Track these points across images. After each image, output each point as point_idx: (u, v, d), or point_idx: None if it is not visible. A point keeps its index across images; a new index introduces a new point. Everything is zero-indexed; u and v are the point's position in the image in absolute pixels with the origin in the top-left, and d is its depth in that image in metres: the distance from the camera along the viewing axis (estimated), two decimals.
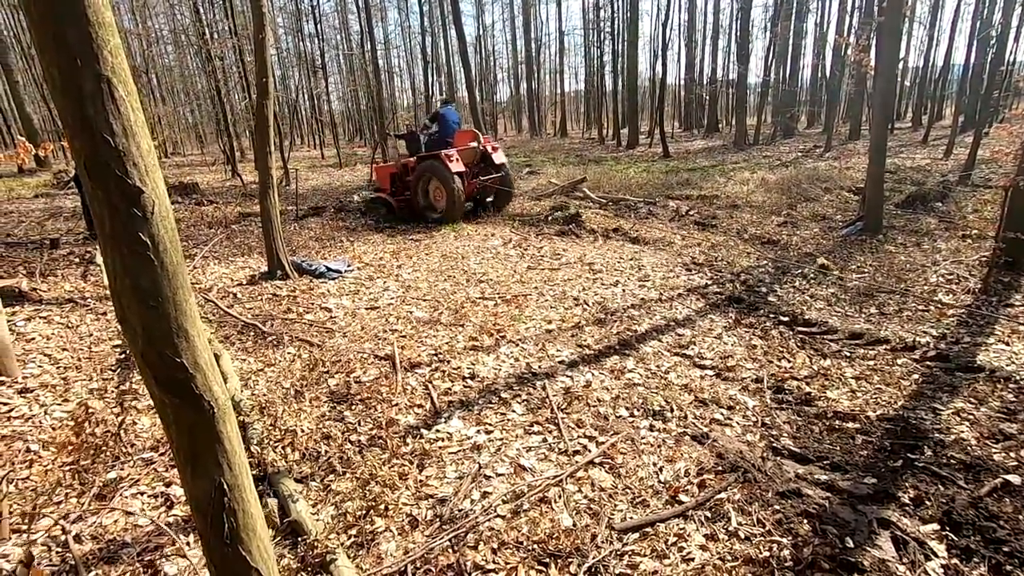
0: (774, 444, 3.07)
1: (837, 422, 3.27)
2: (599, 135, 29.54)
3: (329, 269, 6.46)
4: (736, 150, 20.25)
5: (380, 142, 16.66)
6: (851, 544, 2.27)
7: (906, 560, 2.21)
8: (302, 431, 3.21)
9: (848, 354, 4.22)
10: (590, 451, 2.98)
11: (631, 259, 6.88)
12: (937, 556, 2.23)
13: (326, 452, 3.02)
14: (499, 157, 9.78)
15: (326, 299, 5.63)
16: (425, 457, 2.96)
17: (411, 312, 5.19)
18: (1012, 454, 2.86)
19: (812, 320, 4.87)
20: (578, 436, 3.14)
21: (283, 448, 3.06)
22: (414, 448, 3.03)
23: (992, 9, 17.91)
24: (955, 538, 2.31)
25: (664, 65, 21.65)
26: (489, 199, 9.74)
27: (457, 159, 8.86)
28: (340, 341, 4.56)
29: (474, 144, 9.73)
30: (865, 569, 2.15)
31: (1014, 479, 2.63)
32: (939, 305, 5.15)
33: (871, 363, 4.04)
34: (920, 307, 5.14)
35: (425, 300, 5.55)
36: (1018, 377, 3.66)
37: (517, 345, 4.40)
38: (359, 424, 3.30)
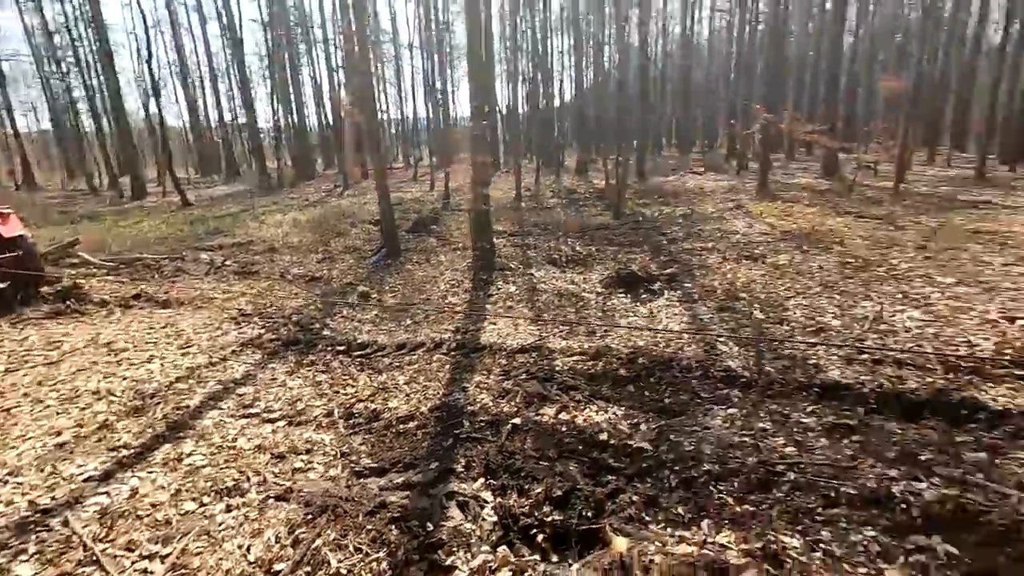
0: (356, 468, 3.22)
1: (401, 426, 3.70)
2: (89, 186, 24.18)
3: None
4: (263, 194, 20.18)
5: None
6: (431, 527, 2.62)
7: (470, 516, 2.71)
8: None
9: (398, 364, 4.84)
10: (154, 573, 2.41)
11: (164, 327, 5.92)
12: (488, 503, 2.81)
13: None
14: (11, 229, 6.77)
15: None
16: None
17: None
18: (512, 403, 3.90)
19: (365, 343, 5.35)
20: (133, 563, 2.49)
21: None
22: None
23: (435, 76, 23.85)
24: (494, 482, 2.97)
25: (159, 106, 19.52)
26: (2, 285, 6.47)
27: None
28: None
29: None
30: (445, 541, 2.52)
31: (517, 421, 3.59)
32: (450, 306, 6.52)
33: (416, 366, 4.76)
34: (440, 311, 6.38)
35: None
36: (503, 346, 5.01)
37: (6, 484, 3.13)
38: None
